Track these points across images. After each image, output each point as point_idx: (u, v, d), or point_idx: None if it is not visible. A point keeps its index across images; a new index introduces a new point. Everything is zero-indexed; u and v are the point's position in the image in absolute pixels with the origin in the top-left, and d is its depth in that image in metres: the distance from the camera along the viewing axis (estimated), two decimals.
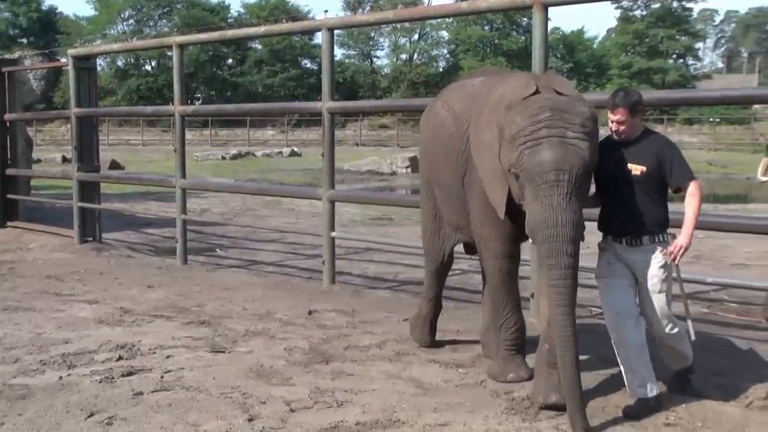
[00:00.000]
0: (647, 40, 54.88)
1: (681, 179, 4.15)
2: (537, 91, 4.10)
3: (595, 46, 59.83)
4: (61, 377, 4.87)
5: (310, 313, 6.56)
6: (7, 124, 12.03)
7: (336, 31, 7.63)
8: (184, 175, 9.21)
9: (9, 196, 11.98)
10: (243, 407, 4.34)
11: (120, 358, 5.24)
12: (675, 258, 4.07)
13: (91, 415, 4.23)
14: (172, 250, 9.59)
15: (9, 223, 11.81)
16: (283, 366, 5.09)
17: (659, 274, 4.14)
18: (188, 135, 34.43)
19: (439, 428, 4.05)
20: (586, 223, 4.01)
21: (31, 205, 13.29)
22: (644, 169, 4.13)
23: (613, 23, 59.46)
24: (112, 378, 4.82)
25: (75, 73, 10.43)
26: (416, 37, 57.25)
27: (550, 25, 6.23)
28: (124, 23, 56.11)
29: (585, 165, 3.90)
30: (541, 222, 3.88)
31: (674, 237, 4.15)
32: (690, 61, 60.30)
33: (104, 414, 4.24)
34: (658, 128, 44.75)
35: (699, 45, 60.75)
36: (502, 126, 4.11)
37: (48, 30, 55.03)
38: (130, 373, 4.91)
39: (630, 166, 4.16)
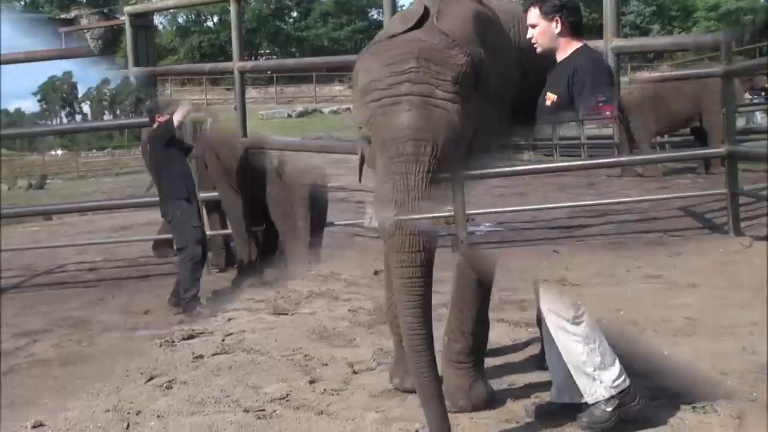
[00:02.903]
0: None
1: None
2: (417, 25, 3.11)
3: None
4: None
5: (375, 273, 6.35)
6: None
7: None
8: (245, 134, 9.05)
9: None
10: (304, 369, 4.24)
11: (180, 321, 5.19)
12: None
13: (151, 378, 4.20)
14: None
15: None
16: (346, 327, 4.96)
17: None
18: (253, 93, 34.36)
19: (503, 387, 3.86)
20: None
21: None
22: (554, 98, 3.20)
23: None
24: (173, 341, 4.78)
25: (132, 31, 10.32)
26: None
27: None
28: None
29: (454, 134, 2.95)
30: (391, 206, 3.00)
31: None
32: None
33: (164, 377, 4.20)
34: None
35: None
36: (358, 70, 3.18)
37: None
38: (190, 336, 4.88)
39: (548, 95, 3.23)
